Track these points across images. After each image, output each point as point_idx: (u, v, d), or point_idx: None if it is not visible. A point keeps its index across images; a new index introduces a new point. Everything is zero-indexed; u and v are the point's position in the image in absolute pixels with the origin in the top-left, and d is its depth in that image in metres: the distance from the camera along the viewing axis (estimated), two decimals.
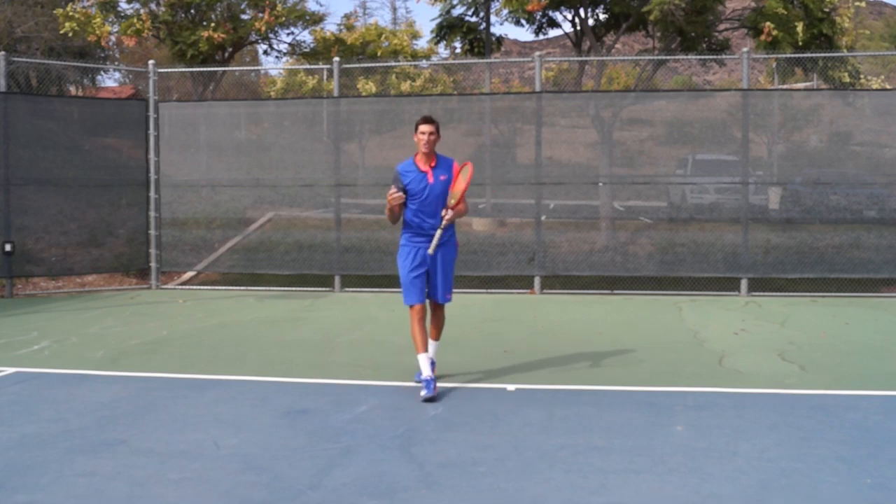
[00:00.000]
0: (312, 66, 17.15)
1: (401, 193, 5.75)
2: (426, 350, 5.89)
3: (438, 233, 5.80)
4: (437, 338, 6.11)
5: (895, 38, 41.58)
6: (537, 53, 11.12)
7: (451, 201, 5.85)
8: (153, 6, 14.64)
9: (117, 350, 7.39)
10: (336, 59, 11.76)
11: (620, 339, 7.86)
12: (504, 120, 11.94)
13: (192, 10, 14.54)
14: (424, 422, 5.08)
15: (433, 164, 5.91)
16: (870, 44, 35.99)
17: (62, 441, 4.79)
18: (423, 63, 21.71)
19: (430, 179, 5.85)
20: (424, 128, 5.89)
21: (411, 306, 5.94)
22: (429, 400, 5.57)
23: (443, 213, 5.84)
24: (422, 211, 5.89)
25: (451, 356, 6.82)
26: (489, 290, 10.77)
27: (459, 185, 5.84)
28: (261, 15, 14.44)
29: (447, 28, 14.58)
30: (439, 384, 5.92)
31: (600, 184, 11.26)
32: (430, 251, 5.80)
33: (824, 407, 5.44)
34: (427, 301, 6.01)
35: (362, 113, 11.90)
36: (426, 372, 5.76)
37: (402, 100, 13.59)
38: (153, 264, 11.58)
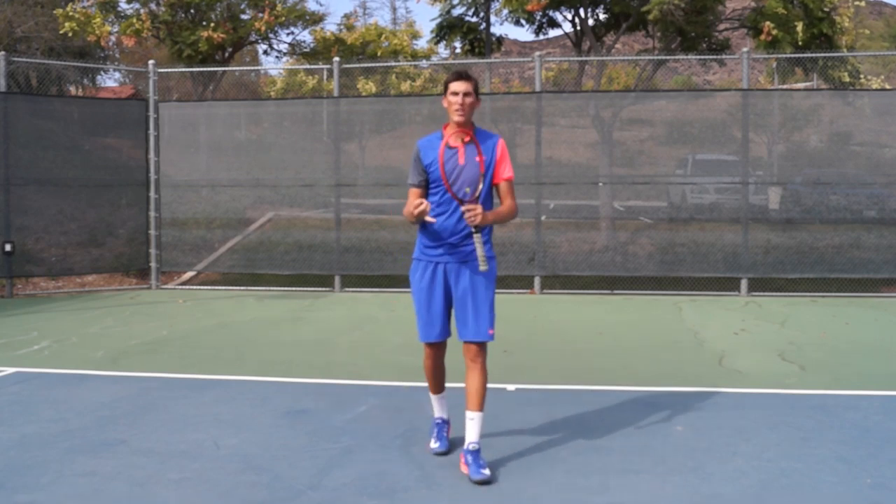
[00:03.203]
0: (312, 66, 17.15)
1: (427, 205, 4.10)
2: (442, 390, 4.58)
3: (478, 240, 4.11)
4: (477, 406, 4.24)
5: (895, 38, 41.58)
6: (537, 53, 11.12)
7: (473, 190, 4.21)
8: (153, 6, 14.64)
9: (117, 350, 7.39)
10: (336, 59, 11.77)
11: (620, 339, 7.86)
12: (504, 120, 11.93)
13: (192, 10, 14.54)
14: (424, 422, 5.06)
15: (467, 140, 4.22)
16: (870, 44, 35.97)
17: (62, 441, 4.78)
18: (423, 63, 21.70)
19: (461, 160, 4.19)
20: (457, 85, 4.18)
21: (425, 344, 4.45)
22: (441, 454, 4.45)
23: (464, 209, 4.11)
24: (446, 205, 4.23)
25: (451, 356, 6.81)
26: None
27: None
28: (261, 15, 14.43)
29: (447, 28, 14.58)
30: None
31: (600, 184, 11.26)
32: (483, 267, 4.10)
33: (824, 407, 5.44)
34: (452, 345, 4.47)
35: (362, 113, 11.90)
36: (437, 412, 4.60)
37: (402, 100, 13.60)
38: (153, 264, 11.58)
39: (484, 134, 4.30)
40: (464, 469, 4.19)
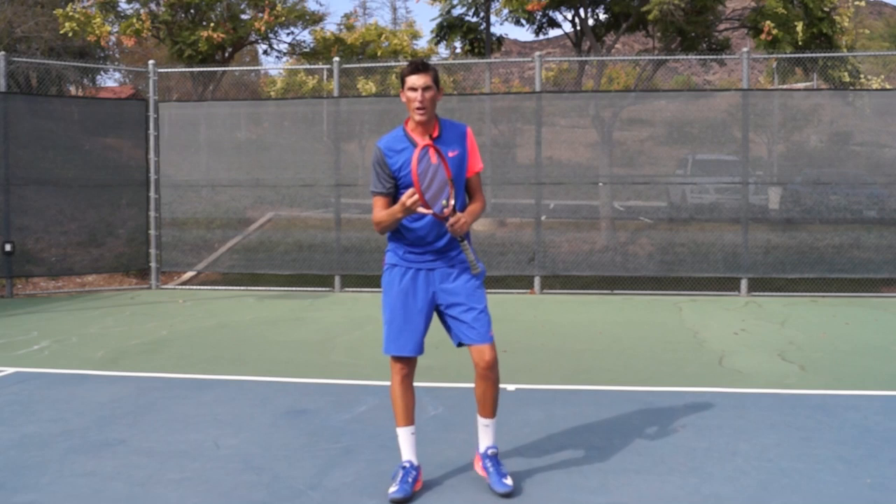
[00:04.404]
0: (312, 66, 17.15)
1: (416, 197, 3.69)
2: (412, 422, 4.04)
3: (465, 246, 3.85)
4: (492, 414, 4.02)
5: (895, 38, 41.58)
6: (537, 53, 11.12)
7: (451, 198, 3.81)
8: (153, 6, 14.65)
9: (117, 350, 7.39)
10: (336, 59, 11.77)
11: (620, 339, 7.86)
12: (504, 120, 11.94)
13: (192, 10, 14.54)
14: (424, 422, 5.07)
15: (435, 135, 3.86)
16: (870, 43, 35.97)
17: (62, 441, 4.78)
18: None
19: (433, 159, 3.79)
20: (415, 79, 3.77)
21: (393, 359, 4.04)
22: (398, 502, 3.84)
23: (447, 225, 3.78)
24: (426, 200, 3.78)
25: (450, 356, 6.81)
26: (489, 290, 10.69)
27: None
28: (261, 15, 14.44)
29: (447, 28, 14.59)
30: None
31: (600, 184, 11.26)
32: (476, 270, 3.88)
33: (824, 407, 5.44)
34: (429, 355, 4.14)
35: (362, 113, 11.91)
36: (406, 454, 4.00)
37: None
38: (153, 264, 11.58)
39: (450, 126, 3.93)
40: (481, 472, 4.04)
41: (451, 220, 3.75)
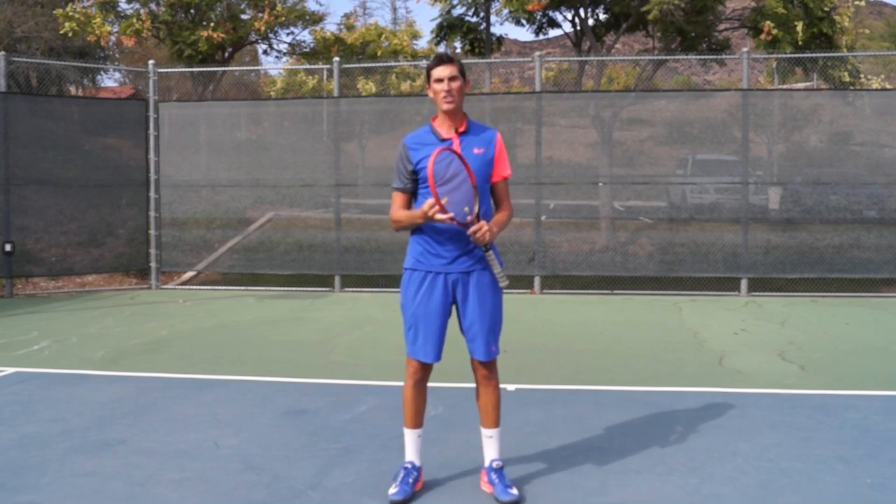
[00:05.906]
0: (312, 66, 17.16)
1: (437, 207, 3.58)
2: (421, 425, 4.03)
3: (491, 258, 3.75)
4: (494, 423, 3.98)
5: (895, 38, 41.58)
6: (537, 53, 11.12)
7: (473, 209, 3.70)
8: (153, 6, 14.65)
9: (117, 350, 7.39)
10: (336, 59, 11.77)
11: (620, 339, 7.86)
12: (504, 120, 11.93)
13: (192, 10, 14.55)
14: (424, 422, 5.06)
15: (462, 130, 3.81)
16: (870, 43, 35.96)
17: (62, 441, 4.78)
18: (423, 63, 21.71)
19: (458, 151, 3.74)
20: (441, 71, 3.74)
21: (409, 361, 3.94)
22: (398, 503, 3.84)
23: (469, 232, 3.66)
24: (444, 207, 3.68)
25: (450, 356, 6.81)
26: None
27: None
28: (261, 15, 14.44)
29: (447, 28, 14.60)
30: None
31: (600, 184, 11.26)
32: (504, 283, 3.76)
33: (824, 407, 5.44)
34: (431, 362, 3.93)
35: (362, 113, 11.91)
36: (409, 454, 4.00)
37: (402, 100, 13.60)
38: (153, 264, 11.58)
39: (479, 127, 3.89)
40: (486, 488, 3.96)
41: (473, 227, 3.65)
